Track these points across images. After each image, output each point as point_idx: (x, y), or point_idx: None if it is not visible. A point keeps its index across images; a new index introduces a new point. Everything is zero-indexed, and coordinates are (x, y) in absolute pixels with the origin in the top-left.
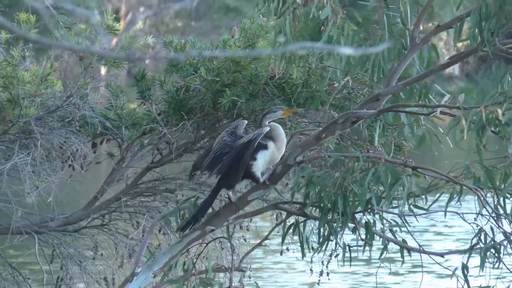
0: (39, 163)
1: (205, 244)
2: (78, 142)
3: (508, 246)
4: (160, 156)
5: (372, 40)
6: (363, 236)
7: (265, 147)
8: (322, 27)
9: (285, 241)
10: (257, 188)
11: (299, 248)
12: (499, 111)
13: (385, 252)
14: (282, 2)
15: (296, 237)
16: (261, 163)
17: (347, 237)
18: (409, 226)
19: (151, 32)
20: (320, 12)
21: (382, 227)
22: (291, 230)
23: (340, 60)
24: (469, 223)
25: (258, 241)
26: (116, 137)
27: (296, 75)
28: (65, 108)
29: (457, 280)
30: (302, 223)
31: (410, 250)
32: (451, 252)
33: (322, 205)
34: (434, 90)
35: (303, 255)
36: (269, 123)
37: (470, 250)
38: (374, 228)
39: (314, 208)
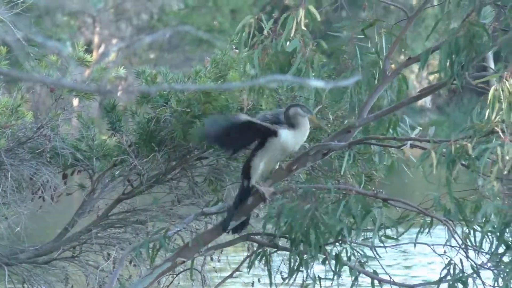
0: (9, 194)
1: (175, 276)
2: (48, 173)
3: (477, 278)
4: (131, 187)
5: (344, 73)
6: (334, 268)
7: (275, 133)
8: (292, 59)
9: (258, 272)
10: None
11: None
12: (469, 145)
13: (356, 283)
14: (253, 34)
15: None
16: (264, 155)
17: (318, 268)
18: (380, 257)
19: (124, 64)
20: (287, 44)
21: (352, 257)
22: (258, 261)
23: (313, 92)
24: (439, 255)
25: (230, 272)
26: (87, 168)
27: (266, 106)
28: (36, 139)
29: None
30: (269, 254)
31: (380, 281)
32: (421, 284)
33: (293, 236)
34: (405, 122)
35: (271, 283)
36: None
37: (438, 282)
38: (345, 259)
39: (286, 240)
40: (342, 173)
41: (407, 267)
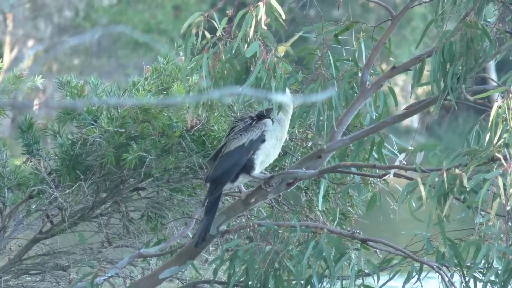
0: None
1: None
2: None
3: None
4: (50, 224)
5: (314, 84)
6: None
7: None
8: (251, 67)
9: None
10: (170, 264)
11: None
12: (464, 175)
13: None
14: (202, 36)
15: None
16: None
17: None
18: None
19: (43, 71)
20: (245, 48)
21: None
22: None
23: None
24: None
25: None
26: None
27: (218, 126)
28: None
29: None
30: None
31: None
32: None
33: (249, 284)
34: (391, 143)
35: None
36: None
37: None
38: None
39: None
40: (319, 208)
41: None
